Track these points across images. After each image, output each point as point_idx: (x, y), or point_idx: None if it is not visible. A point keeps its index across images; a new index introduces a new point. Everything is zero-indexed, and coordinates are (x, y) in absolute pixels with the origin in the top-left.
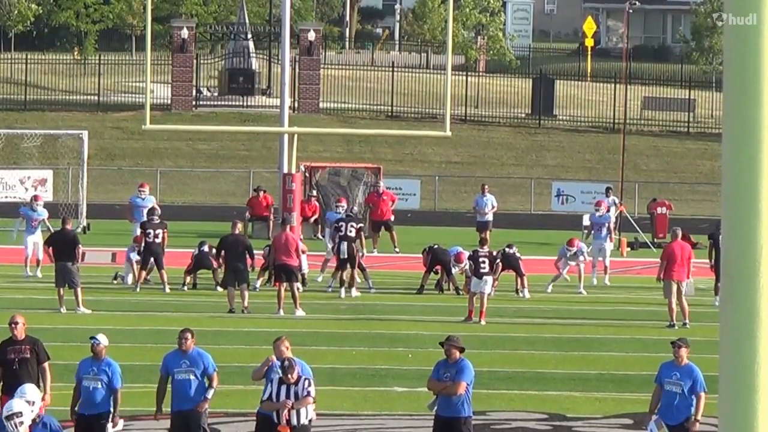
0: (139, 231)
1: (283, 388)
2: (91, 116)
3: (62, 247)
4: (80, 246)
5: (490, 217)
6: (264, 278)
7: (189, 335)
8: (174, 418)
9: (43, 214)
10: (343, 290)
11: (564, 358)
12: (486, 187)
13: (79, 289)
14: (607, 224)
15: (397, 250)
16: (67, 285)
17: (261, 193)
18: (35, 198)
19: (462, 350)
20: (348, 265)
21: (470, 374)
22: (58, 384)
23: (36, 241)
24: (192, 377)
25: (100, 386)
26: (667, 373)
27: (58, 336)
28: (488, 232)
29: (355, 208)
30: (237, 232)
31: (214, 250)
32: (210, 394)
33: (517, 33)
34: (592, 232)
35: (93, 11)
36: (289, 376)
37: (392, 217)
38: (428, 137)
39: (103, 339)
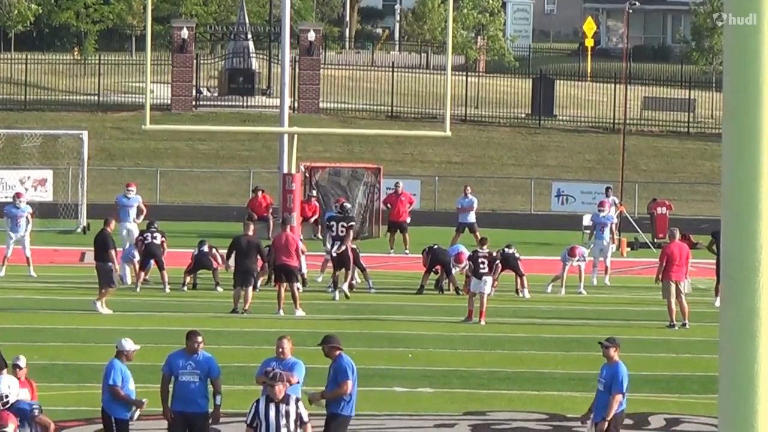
0: (125, 232)
1: (272, 407)
2: (91, 116)
3: (97, 246)
4: (111, 248)
5: (472, 218)
6: (264, 278)
7: (201, 338)
8: (177, 419)
9: (27, 209)
10: (336, 292)
11: (564, 358)
12: (468, 188)
13: (103, 289)
14: (610, 224)
15: (407, 251)
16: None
17: (260, 194)
18: (17, 195)
19: (340, 348)
20: (339, 265)
21: (349, 372)
22: (58, 384)
23: (22, 238)
24: (197, 380)
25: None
26: (600, 374)
27: (58, 336)
28: (477, 232)
29: (347, 205)
30: (250, 233)
31: (214, 250)
32: (219, 400)
33: (517, 33)
34: (595, 232)
35: (93, 11)
36: (276, 389)
37: (408, 219)
38: (428, 137)
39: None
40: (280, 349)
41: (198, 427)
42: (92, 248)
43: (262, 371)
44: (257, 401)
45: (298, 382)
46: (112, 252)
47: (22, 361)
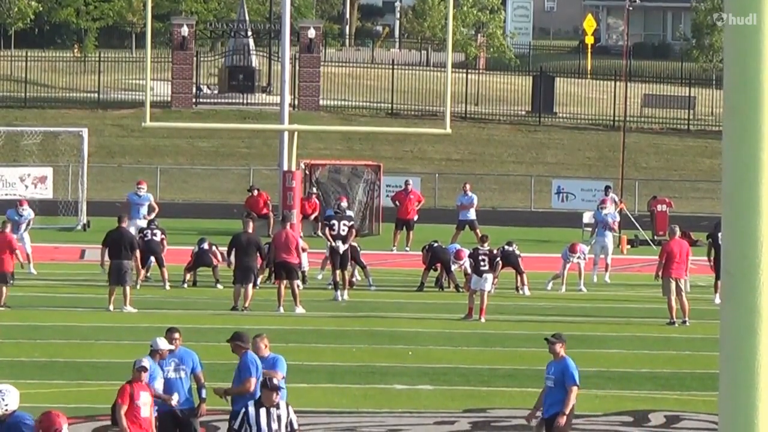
0: (133, 230)
1: (263, 411)
2: (91, 113)
3: (121, 245)
4: (137, 248)
5: (472, 215)
6: (264, 275)
7: (178, 334)
8: (164, 417)
9: (29, 216)
10: (338, 293)
11: None
12: (468, 186)
13: (128, 288)
14: (612, 222)
15: (407, 248)
16: (119, 283)
17: (255, 192)
18: (20, 203)
19: (245, 347)
20: (341, 266)
21: (252, 369)
22: (59, 381)
23: (21, 236)
24: (183, 375)
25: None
26: (547, 370)
27: (57, 334)
28: (477, 230)
29: (343, 204)
30: (250, 230)
31: (214, 247)
32: (204, 393)
33: (518, 30)
34: (596, 229)
35: (93, 8)
36: (274, 396)
37: (416, 217)
38: (428, 135)
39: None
40: (261, 345)
41: (189, 423)
42: (94, 245)
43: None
44: (246, 406)
45: (283, 378)
46: (138, 252)
47: (146, 363)
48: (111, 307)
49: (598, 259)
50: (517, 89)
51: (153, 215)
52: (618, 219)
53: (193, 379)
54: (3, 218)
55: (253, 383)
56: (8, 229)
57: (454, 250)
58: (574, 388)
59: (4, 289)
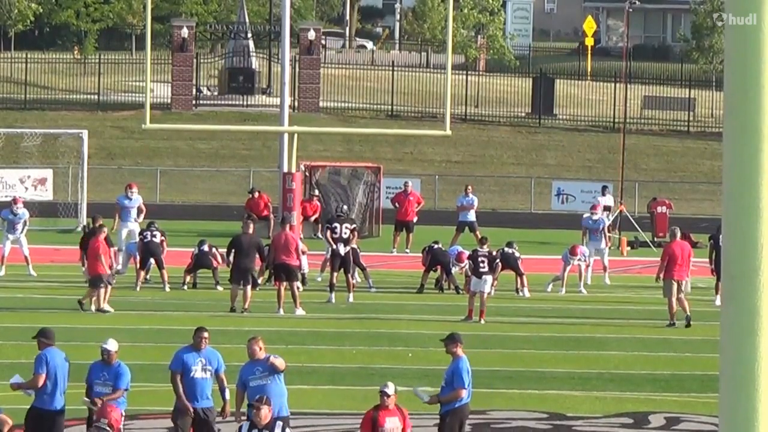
0: (125, 232)
1: None
2: (91, 115)
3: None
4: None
5: (472, 216)
6: (264, 277)
7: (206, 333)
8: (186, 412)
9: (24, 215)
10: (333, 294)
11: (564, 357)
12: (470, 187)
13: (108, 288)
14: (601, 228)
15: (407, 250)
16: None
17: (256, 194)
18: (14, 201)
19: (49, 343)
20: (344, 269)
21: (39, 368)
22: None
23: (18, 238)
24: (208, 375)
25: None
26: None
27: (58, 335)
28: (477, 231)
29: (345, 207)
30: (250, 232)
31: (214, 249)
32: (228, 394)
33: (518, 32)
34: (588, 235)
35: (93, 10)
36: (261, 413)
37: (415, 219)
38: (428, 136)
39: (112, 345)
40: (256, 348)
41: (207, 422)
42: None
43: (246, 375)
44: (240, 428)
45: (282, 371)
46: (114, 250)
47: (390, 389)
48: (108, 308)
49: (591, 261)
50: (517, 91)
51: (141, 217)
52: (608, 223)
53: (215, 379)
54: (100, 223)
55: (41, 380)
56: (102, 236)
57: (455, 253)
58: (460, 391)
59: (101, 291)
